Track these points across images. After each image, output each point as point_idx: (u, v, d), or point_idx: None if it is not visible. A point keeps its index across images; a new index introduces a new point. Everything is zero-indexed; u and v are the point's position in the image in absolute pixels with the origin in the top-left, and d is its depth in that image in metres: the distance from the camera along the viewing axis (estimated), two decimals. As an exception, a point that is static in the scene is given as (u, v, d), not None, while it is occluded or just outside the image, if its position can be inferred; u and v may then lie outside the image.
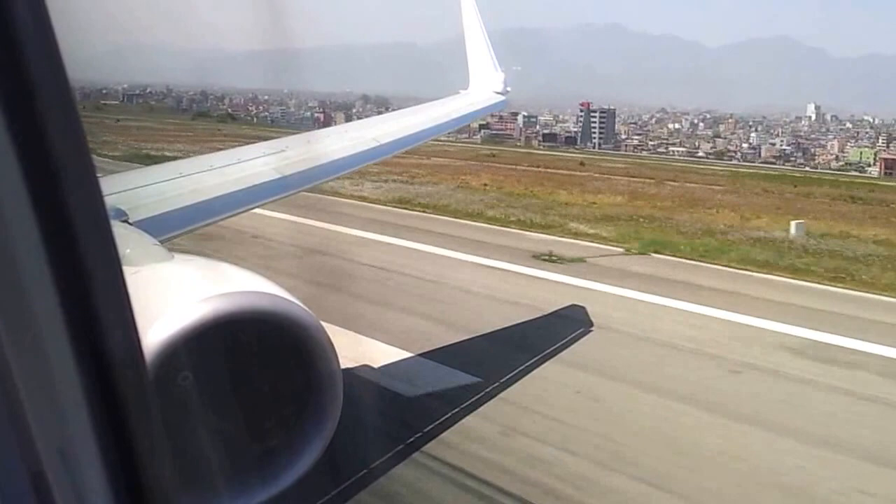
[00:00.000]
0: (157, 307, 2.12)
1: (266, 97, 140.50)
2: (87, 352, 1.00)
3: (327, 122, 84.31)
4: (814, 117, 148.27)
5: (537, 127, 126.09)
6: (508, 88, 11.18)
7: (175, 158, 19.47)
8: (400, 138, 8.72)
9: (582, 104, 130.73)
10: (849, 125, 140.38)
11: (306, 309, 2.35)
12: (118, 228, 3.30)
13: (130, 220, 3.90)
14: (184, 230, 4.78)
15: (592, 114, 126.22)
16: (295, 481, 2.32)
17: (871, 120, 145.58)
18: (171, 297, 2.25)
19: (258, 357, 2.37)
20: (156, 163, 16.61)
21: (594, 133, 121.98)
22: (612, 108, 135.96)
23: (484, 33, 11.47)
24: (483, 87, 11.11)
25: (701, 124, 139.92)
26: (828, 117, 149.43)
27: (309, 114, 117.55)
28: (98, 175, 1.07)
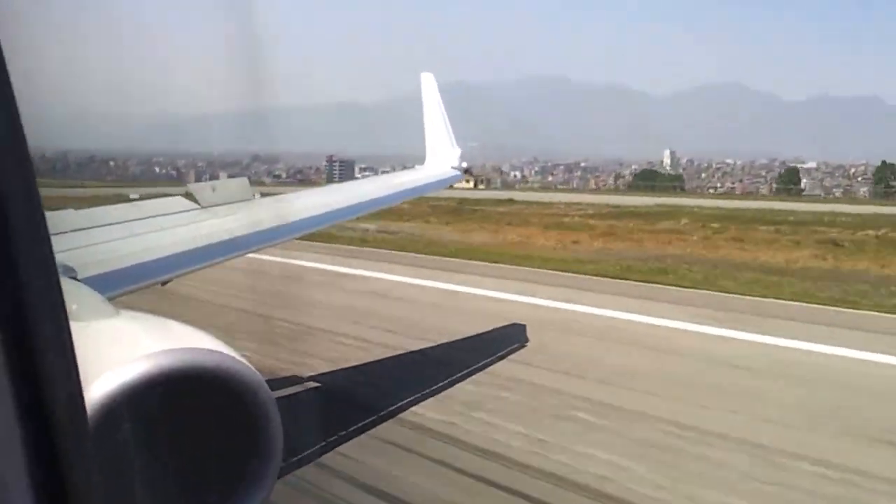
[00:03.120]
0: (100, 363, 2.10)
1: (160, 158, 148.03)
2: (30, 407, 1.00)
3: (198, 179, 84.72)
4: (668, 162, 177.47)
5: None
6: (464, 164, 11.53)
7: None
8: (354, 204, 9.06)
9: (328, 157, 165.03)
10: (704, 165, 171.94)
11: (251, 367, 2.31)
12: (66, 285, 3.35)
13: (79, 277, 3.88)
14: (132, 287, 4.81)
15: (334, 163, 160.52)
16: None
17: (734, 162, 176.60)
18: (114, 353, 2.23)
19: (200, 415, 2.32)
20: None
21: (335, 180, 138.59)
22: (351, 159, 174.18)
23: (442, 110, 11.81)
24: (439, 162, 11.46)
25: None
26: (683, 161, 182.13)
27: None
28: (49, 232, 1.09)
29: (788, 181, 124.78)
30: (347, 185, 13.22)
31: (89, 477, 1.10)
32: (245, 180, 7.75)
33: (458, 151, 11.67)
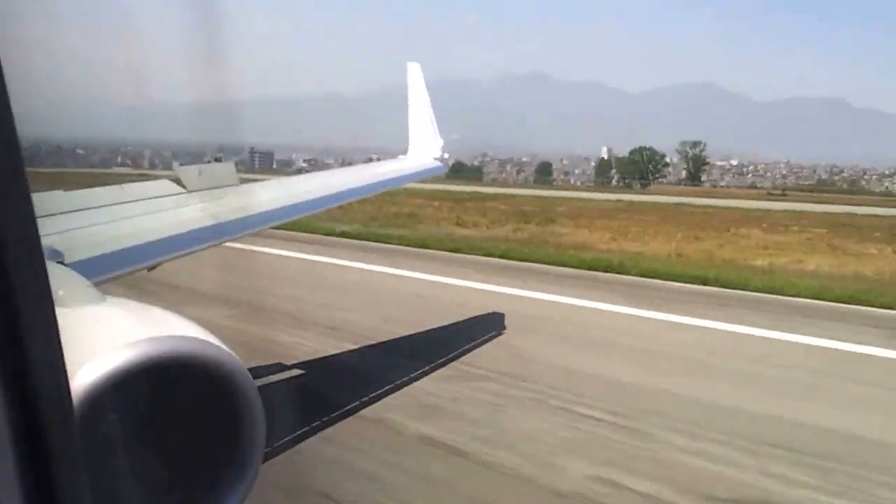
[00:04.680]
0: (85, 349, 2.11)
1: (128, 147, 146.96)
2: (14, 392, 0.99)
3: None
4: (605, 157, 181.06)
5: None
6: (446, 155, 11.53)
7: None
8: (336, 192, 9.08)
9: (249, 148, 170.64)
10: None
11: (234, 355, 2.32)
12: (53, 269, 3.20)
13: (66, 261, 3.84)
14: (119, 272, 4.80)
15: (255, 154, 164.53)
16: None
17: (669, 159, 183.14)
18: (100, 341, 2.24)
19: (184, 402, 2.34)
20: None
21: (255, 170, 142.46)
22: (270, 150, 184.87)
23: (427, 101, 11.81)
24: (422, 152, 11.47)
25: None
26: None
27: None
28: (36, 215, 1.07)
29: (544, 173, 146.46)
30: (331, 174, 13.22)
31: (76, 465, 1.09)
32: (231, 164, 7.70)
33: (440, 142, 11.64)
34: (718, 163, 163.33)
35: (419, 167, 11.32)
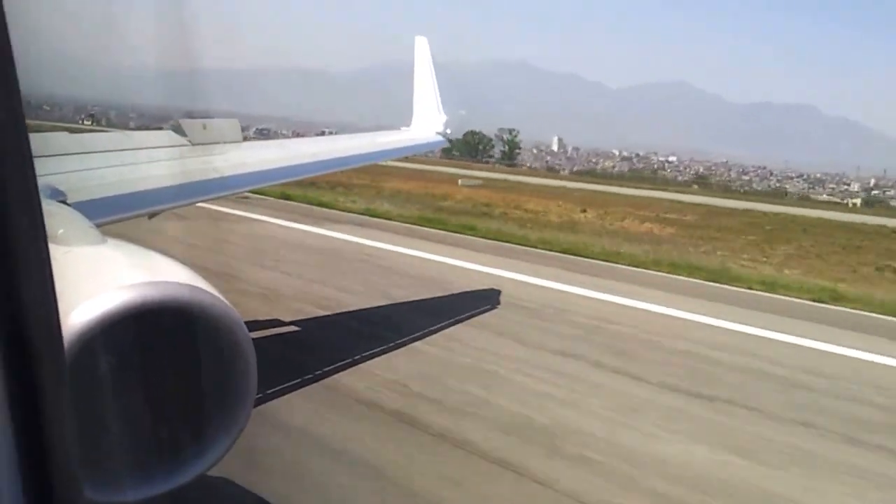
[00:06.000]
0: (82, 289, 2.15)
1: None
2: (3, 328, 0.99)
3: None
4: (556, 147, 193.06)
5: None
6: (448, 130, 11.38)
7: None
8: (339, 157, 9.10)
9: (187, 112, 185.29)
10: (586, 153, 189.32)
11: (228, 303, 2.35)
12: (54, 207, 3.28)
13: (69, 201, 3.82)
14: (121, 216, 4.79)
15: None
16: (199, 475, 2.36)
17: (618, 153, 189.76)
18: (97, 281, 2.27)
19: (177, 348, 2.39)
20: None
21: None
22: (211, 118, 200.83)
23: (433, 76, 11.71)
24: (425, 125, 11.36)
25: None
26: (569, 148, 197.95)
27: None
28: (35, 155, 1.06)
29: (509, 157, 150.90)
30: (334, 139, 13.29)
31: (63, 403, 1.09)
32: (236, 121, 7.60)
33: (443, 117, 11.53)
34: (535, 150, 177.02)
35: (421, 140, 11.27)
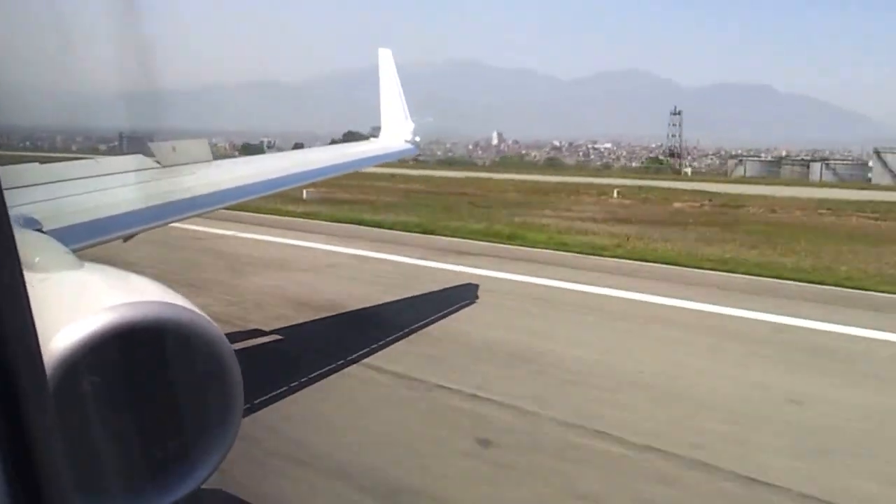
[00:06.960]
0: (63, 314, 2.14)
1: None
2: None
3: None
4: (496, 142, 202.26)
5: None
6: (417, 138, 11.50)
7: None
8: (308, 170, 9.22)
9: (119, 133, 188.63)
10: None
11: (209, 319, 2.35)
12: (30, 236, 3.30)
13: (44, 230, 3.84)
14: (96, 241, 4.81)
15: (123, 139, 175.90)
16: (189, 492, 2.35)
17: (560, 144, 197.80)
18: (77, 305, 2.26)
19: (161, 368, 2.39)
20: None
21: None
22: (141, 137, 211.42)
23: (398, 85, 11.80)
24: (393, 135, 11.46)
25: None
26: (509, 141, 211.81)
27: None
28: (8, 187, 1.02)
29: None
30: (303, 152, 13.42)
31: (49, 428, 1.09)
32: (205, 141, 7.70)
33: (411, 125, 11.65)
34: (470, 146, 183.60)
35: (391, 149, 11.39)
